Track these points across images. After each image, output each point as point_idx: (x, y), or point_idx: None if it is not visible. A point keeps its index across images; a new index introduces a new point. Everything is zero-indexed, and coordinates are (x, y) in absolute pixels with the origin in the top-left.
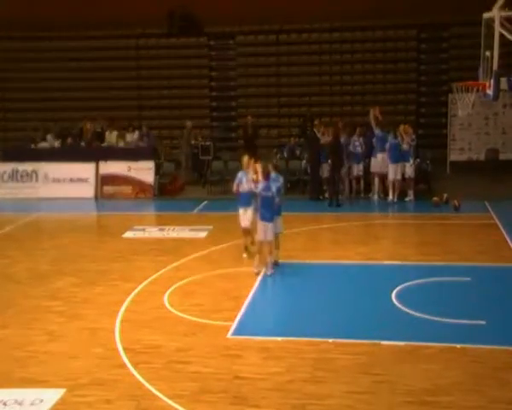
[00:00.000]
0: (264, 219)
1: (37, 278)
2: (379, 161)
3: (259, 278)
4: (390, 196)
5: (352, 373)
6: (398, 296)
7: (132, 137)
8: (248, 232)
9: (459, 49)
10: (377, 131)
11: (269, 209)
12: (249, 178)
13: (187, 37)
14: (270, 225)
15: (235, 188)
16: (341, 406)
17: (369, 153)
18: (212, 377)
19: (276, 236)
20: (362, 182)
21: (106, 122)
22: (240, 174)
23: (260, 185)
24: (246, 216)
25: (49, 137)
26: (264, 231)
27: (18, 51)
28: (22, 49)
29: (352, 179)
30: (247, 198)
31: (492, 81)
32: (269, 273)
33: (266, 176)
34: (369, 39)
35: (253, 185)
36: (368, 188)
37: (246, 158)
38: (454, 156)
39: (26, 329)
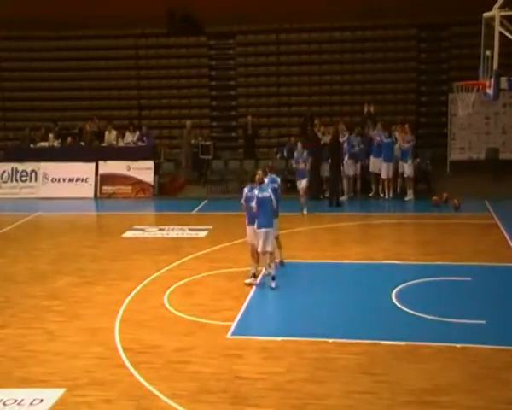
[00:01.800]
0: (262, 225)
1: (37, 278)
2: (349, 164)
3: (259, 277)
4: (386, 196)
5: (352, 373)
6: (398, 296)
7: (133, 136)
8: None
9: (459, 48)
10: (346, 135)
11: (267, 213)
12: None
13: (187, 36)
14: (270, 231)
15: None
16: (341, 406)
17: (367, 152)
18: (212, 377)
19: (276, 237)
20: (358, 182)
21: (103, 122)
22: (253, 190)
23: (256, 191)
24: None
25: (50, 136)
26: (264, 238)
27: (17, 51)
28: (21, 48)
29: (350, 179)
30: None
31: (492, 80)
32: (273, 286)
33: (260, 183)
34: (369, 38)
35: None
36: (367, 187)
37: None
38: (454, 156)
39: (25, 328)
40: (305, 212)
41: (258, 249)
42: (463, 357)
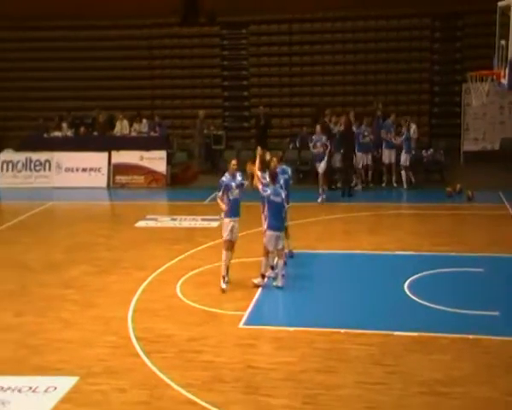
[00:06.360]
0: (272, 228)
1: (52, 267)
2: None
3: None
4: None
5: (364, 364)
6: (411, 287)
7: (140, 126)
8: (233, 247)
9: (473, 37)
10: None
11: (279, 217)
12: (238, 181)
13: (199, 26)
14: (281, 234)
15: (220, 197)
16: (353, 396)
17: (378, 143)
18: (225, 367)
19: (286, 227)
20: (369, 172)
21: (116, 112)
22: (226, 179)
23: (269, 190)
24: (234, 229)
25: (63, 125)
26: (275, 240)
27: (31, 41)
28: (36, 38)
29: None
30: (238, 206)
31: (507, 70)
32: (280, 285)
33: (274, 178)
34: (382, 28)
35: (260, 187)
36: (378, 178)
37: (234, 162)
38: (468, 146)
39: (40, 317)
40: (319, 200)
41: (270, 248)
42: (476, 348)
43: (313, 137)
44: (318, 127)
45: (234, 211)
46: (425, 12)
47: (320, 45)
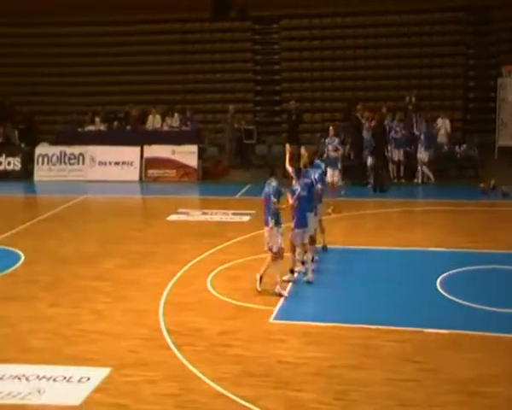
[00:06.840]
0: (299, 226)
1: (86, 259)
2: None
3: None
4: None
5: (395, 360)
6: (443, 284)
7: (172, 121)
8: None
9: (509, 31)
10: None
11: (305, 213)
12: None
13: (231, 21)
14: (306, 229)
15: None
16: (383, 392)
17: (410, 139)
18: (255, 361)
19: (320, 221)
20: (402, 167)
21: (149, 107)
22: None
23: (299, 187)
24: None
25: (96, 120)
26: (301, 236)
27: (65, 36)
28: (68, 34)
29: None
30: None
31: None
32: (310, 280)
33: (300, 174)
34: (415, 23)
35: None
36: (411, 174)
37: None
38: (502, 141)
39: (74, 308)
40: (330, 210)
41: (297, 244)
42: (509, 347)
43: (326, 139)
44: (331, 129)
45: (281, 219)
46: (459, 5)
47: (352, 40)
